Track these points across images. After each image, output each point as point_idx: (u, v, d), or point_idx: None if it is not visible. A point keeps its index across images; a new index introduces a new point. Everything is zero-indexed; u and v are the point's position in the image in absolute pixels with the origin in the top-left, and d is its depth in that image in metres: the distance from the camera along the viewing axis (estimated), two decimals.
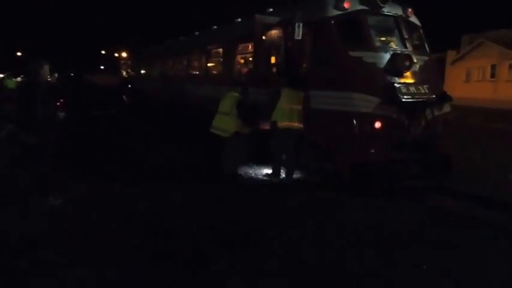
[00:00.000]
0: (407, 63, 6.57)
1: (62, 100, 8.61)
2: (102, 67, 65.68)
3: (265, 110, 7.24)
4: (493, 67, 29.69)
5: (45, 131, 5.40)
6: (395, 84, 6.41)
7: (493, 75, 29.83)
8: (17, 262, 4.01)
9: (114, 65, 42.23)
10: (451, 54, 33.89)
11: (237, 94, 7.27)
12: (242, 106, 7.14)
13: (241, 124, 7.14)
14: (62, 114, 5.74)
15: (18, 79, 30.35)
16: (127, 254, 4.23)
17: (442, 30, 34.15)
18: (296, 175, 7.53)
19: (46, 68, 5.60)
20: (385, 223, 5.40)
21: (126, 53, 37.67)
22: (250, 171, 7.89)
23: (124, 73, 27.39)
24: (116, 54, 48.65)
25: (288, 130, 7.10)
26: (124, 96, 22.05)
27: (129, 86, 22.72)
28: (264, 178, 7.50)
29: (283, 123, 7.08)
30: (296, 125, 7.13)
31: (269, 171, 7.69)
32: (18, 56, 64.75)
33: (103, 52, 65.50)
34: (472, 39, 31.98)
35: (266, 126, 7.33)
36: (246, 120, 7.16)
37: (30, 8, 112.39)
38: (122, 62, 32.17)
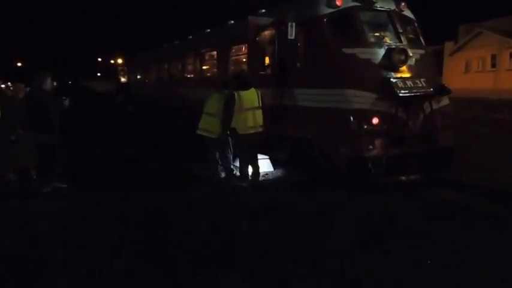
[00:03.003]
0: (402, 58, 6.50)
1: None
2: (98, 74, 66.02)
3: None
4: (493, 57, 29.38)
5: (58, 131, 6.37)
6: (392, 79, 6.33)
7: (493, 65, 29.50)
8: (18, 262, 4.07)
9: (110, 71, 42.37)
10: (448, 46, 33.60)
11: (222, 95, 7.18)
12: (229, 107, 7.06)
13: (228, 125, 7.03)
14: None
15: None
16: (125, 254, 4.26)
17: (437, 22, 33.93)
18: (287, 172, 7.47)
19: (50, 79, 6.58)
20: (386, 217, 5.34)
21: (122, 59, 37.77)
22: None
23: (121, 79, 27.43)
24: (112, 61, 48.84)
25: (251, 135, 6.79)
26: (120, 100, 22.05)
27: (125, 89, 22.76)
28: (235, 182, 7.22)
29: (243, 130, 6.77)
30: (260, 128, 6.85)
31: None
32: (19, 66, 65.11)
33: (99, 59, 65.91)
34: (469, 29, 31.63)
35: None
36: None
37: (27, 16, 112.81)
38: (118, 68, 32.23)
